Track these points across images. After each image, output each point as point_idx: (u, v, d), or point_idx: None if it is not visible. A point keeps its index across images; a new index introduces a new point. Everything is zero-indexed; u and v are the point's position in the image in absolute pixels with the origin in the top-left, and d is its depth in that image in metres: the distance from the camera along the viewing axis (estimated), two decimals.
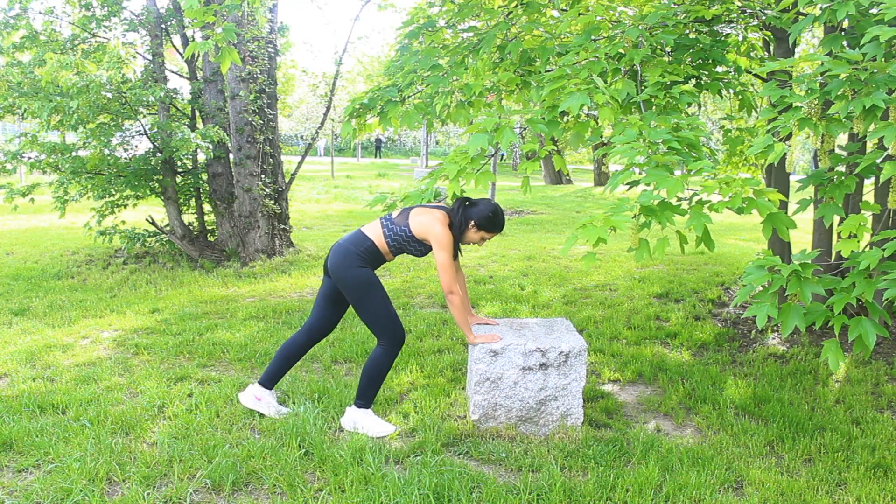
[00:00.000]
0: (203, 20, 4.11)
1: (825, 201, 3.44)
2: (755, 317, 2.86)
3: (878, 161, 3.19)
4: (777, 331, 5.38)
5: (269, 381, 3.76)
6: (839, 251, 3.14)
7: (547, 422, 3.58)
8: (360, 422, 3.55)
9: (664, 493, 2.98)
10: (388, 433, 3.50)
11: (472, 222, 3.51)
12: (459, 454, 3.35)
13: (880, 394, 4.24)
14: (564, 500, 2.92)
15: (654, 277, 7.32)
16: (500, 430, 3.56)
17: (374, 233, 3.53)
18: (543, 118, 3.62)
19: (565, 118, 4.00)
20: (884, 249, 2.84)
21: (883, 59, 2.97)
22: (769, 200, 2.93)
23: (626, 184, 3.15)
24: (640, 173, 3.10)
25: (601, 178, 24.06)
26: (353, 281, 3.48)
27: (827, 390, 4.23)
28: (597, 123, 4.03)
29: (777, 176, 5.46)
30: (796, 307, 2.91)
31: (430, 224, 3.46)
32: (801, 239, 7.05)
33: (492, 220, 3.53)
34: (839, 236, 3.21)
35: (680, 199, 3.04)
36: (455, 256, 3.64)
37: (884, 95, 2.86)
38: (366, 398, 3.59)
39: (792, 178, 8.34)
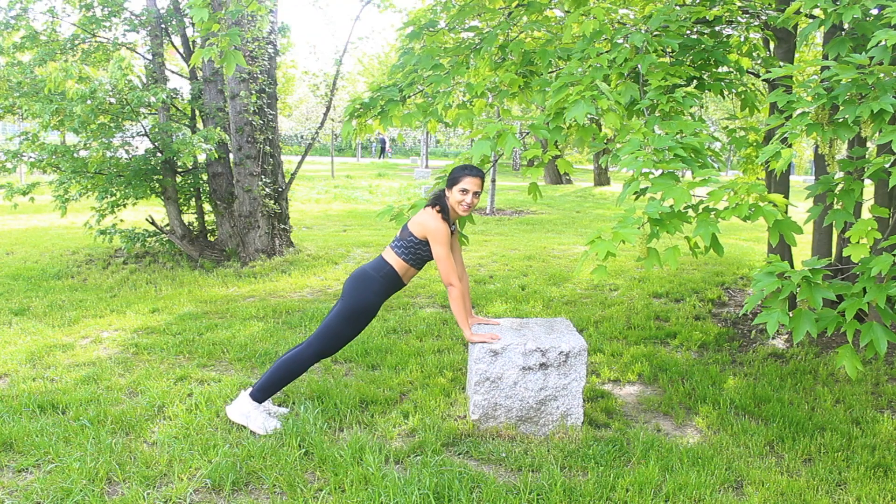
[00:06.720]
0: (209, 28, 4.08)
1: (834, 206, 3.43)
2: (756, 316, 2.85)
3: (888, 167, 3.18)
4: (777, 331, 5.38)
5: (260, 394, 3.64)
6: (841, 254, 3.14)
7: (547, 422, 3.58)
8: (252, 415, 3.55)
9: (664, 493, 2.98)
10: (268, 432, 3.48)
11: (444, 189, 3.69)
12: (459, 454, 3.36)
13: (880, 394, 4.24)
14: (564, 499, 2.92)
15: (654, 277, 7.32)
16: (500, 430, 3.56)
17: (391, 257, 3.65)
18: (547, 124, 3.63)
19: (568, 123, 3.99)
20: (894, 255, 2.83)
21: (889, 63, 2.96)
22: (774, 206, 2.92)
23: (634, 193, 3.14)
24: (643, 172, 3.08)
25: (601, 178, 24.11)
26: (355, 303, 3.57)
27: (827, 390, 4.23)
28: (599, 129, 4.02)
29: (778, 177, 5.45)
30: (807, 313, 2.90)
31: (425, 221, 3.58)
32: (800, 240, 7.04)
33: (452, 172, 3.69)
34: (846, 240, 3.19)
35: (687, 207, 3.03)
36: (453, 236, 3.78)
37: (892, 100, 2.84)
38: (265, 393, 3.60)
39: (792, 178, 8.32)
